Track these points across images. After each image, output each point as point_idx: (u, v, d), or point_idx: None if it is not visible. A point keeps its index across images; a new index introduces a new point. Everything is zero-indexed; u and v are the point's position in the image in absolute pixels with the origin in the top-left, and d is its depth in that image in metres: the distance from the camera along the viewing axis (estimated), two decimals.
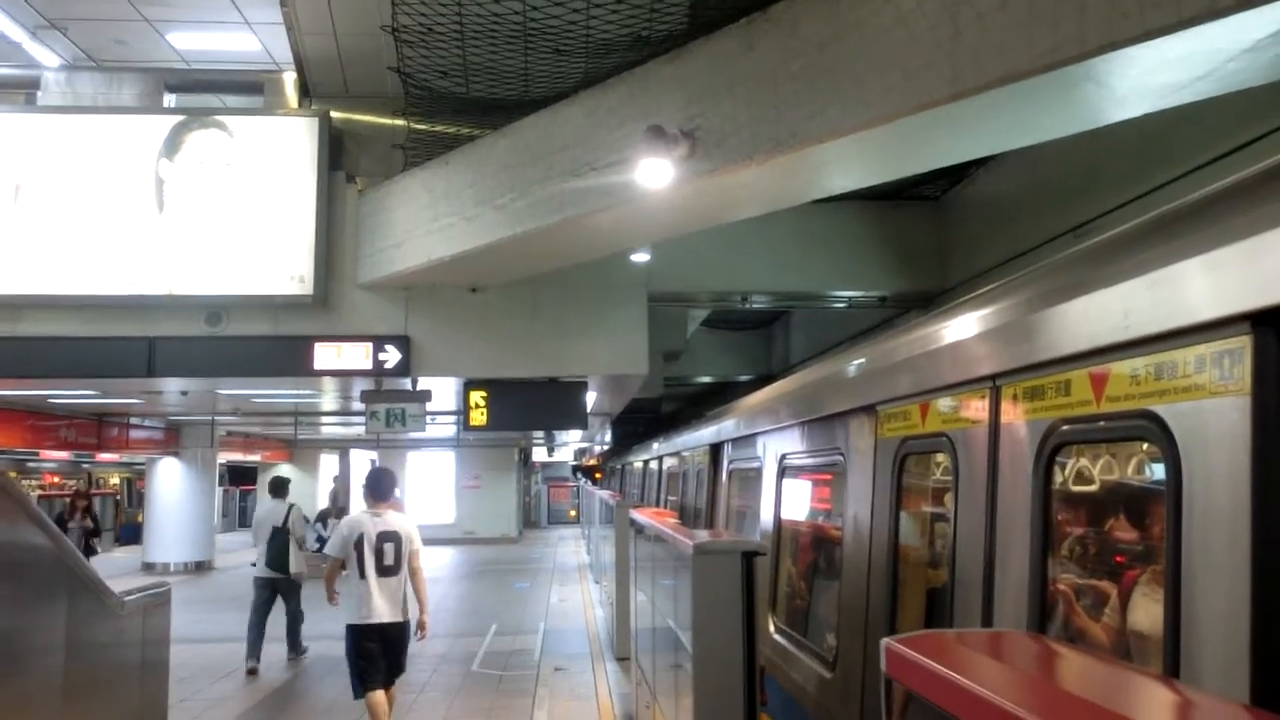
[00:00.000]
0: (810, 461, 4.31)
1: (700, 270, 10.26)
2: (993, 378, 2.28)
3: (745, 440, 5.77)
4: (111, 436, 16.90)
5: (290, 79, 9.95)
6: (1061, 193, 7.58)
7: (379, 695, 6.41)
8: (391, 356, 9.17)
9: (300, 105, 9.78)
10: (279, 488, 10.38)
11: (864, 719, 3.07)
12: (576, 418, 10.46)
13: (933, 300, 9.74)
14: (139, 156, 9.21)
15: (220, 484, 23.86)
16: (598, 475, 31.34)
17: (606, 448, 28.50)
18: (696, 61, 5.98)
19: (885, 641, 1.35)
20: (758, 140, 5.53)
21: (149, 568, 17.78)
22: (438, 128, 8.73)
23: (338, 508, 21.36)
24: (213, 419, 17.33)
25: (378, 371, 9.20)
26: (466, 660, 9.82)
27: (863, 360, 3.57)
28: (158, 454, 18.62)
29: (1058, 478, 2.06)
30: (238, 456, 24.28)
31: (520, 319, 9.44)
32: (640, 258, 9.40)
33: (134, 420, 17.08)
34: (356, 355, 9.15)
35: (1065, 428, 1.95)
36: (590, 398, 11.60)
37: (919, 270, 10.27)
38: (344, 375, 9.55)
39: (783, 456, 4.68)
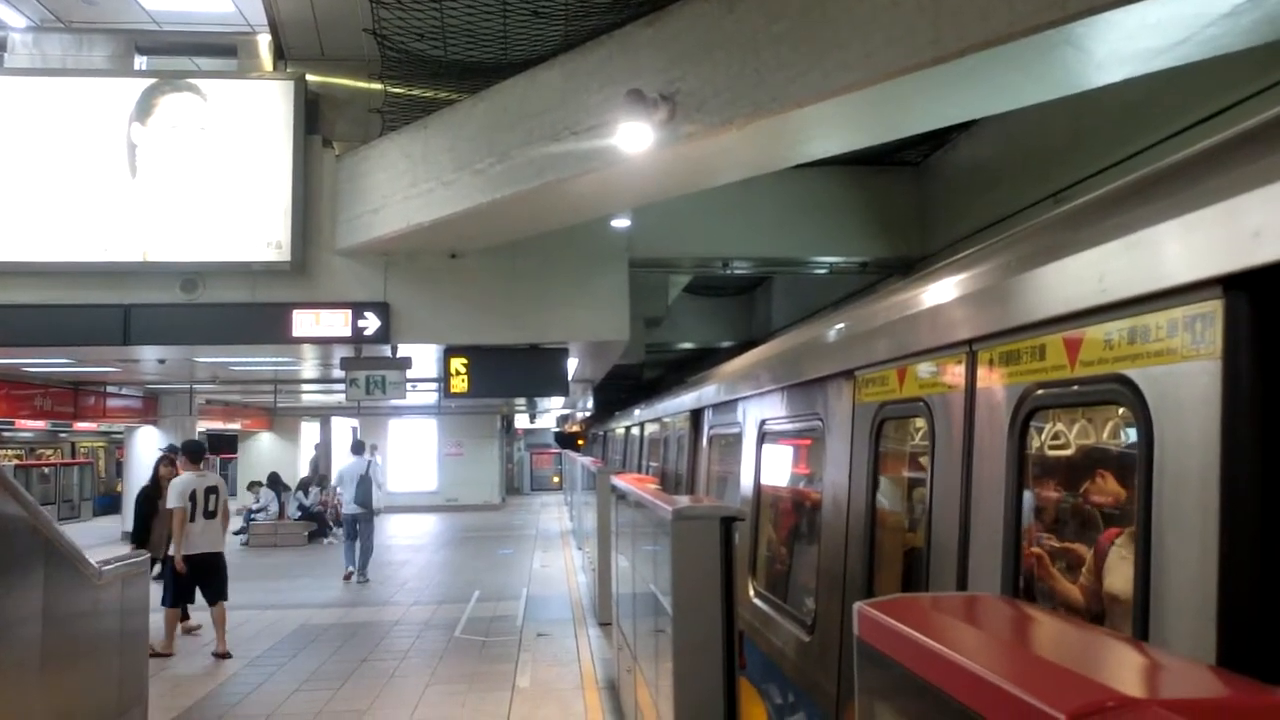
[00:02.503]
0: (789, 427, 4.32)
1: (682, 236, 10.22)
2: (969, 342, 2.29)
3: (725, 406, 5.78)
4: (88, 405, 16.74)
5: (265, 41, 9.76)
6: (1042, 158, 7.58)
7: (177, 611, 8.85)
8: (371, 323, 9.11)
9: (275, 68, 9.61)
10: (359, 448, 14.21)
11: (841, 682, 3.10)
12: (558, 384, 10.45)
13: (913, 266, 9.76)
14: (110, 120, 9.04)
15: None
16: (580, 443, 31.39)
17: (589, 414, 28.55)
18: (677, 24, 5.90)
19: (858, 605, 1.36)
20: (738, 104, 5.48)
21: (128, 537, 17.72)
22: (415, 91, 8.60)
23: (319, 475, 21.36)
24: (191, 387, 17.20)
25: (357, 338, 9.14)
26: (449, 627, 9.88)
27: (841, 326, 3.57)
28: (136, 423, 18.48)
29: (1033, 442, 2.07)
30: (218, 425, 24.11)
31: (501, 285, 9.38)
32: (621, 223, 9.35)
33: (111, 389, 16.92)
34: (335, 322, 9.08)
35: (1040, 392, 1.95)
36: (572, 364, 11.58)
37: (900, 236, 10.27)
38: (323, 343, 9.48)
39: (762, 422, 4.70)
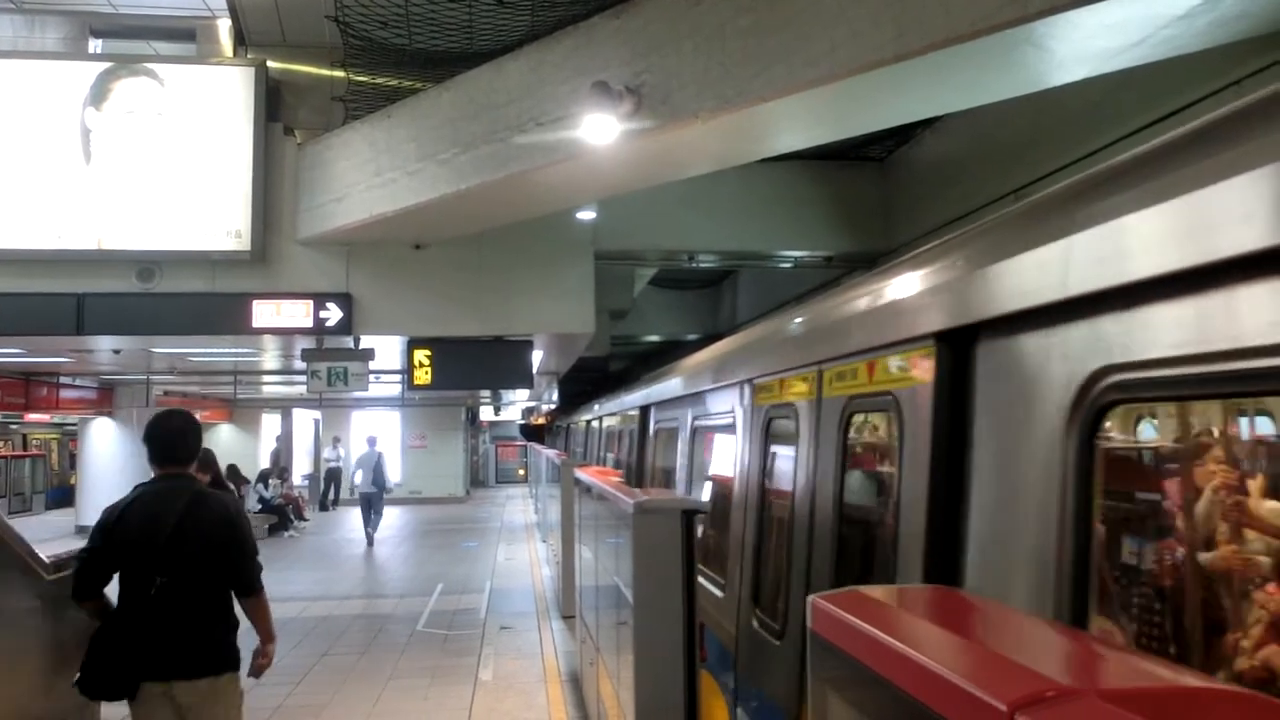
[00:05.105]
0: (713, 423, 4.97)
1: (648, 229, 10.22)
2: (820, 364, 3.07)
3: (666, 404, 6.42)
4: (40, 396, 16.38)
5: (225, 26, 9.60)
6: (1005, 155, 7.68)
7: None
8: (333, 314, 9.00)
9: (235, 54, 9.45)
10: (372, 441, 17.51)
11: (739, 639, 3.64)
12: (522, 377, 10.41)
13: (877, 260, 9.84)
14: (63, 105, 8.83)
15: None
16: (541, 436, 31.32)
17: (554, 407, 28.49)
18: (643, 16, 5.89)
19: (812, 598, 1.37)
20: (704, 97, 5.49)
21: (82, 531, 17.39)
22: (379, 80, 8.51)
23: (280, 468, 21.10)
24: (148, 378, 16.88)
25: (319, 329, 9.03)
26: (411, 620, 9.83)
27: (744, 343, 4.47)
28: (90, 414, 18.12)
29: (852, 434, 2.89)
30: None
31: (465, 276, 9.32)
32: (587, 215, 9.32)
33: (65, 379, 16.58)
34: (296, 313, 8.97)
35: (856, 400, 2.77)
36: (536, 357, 11.54)
37: (865, 230, 10.36)
38: (284, 334, 9.36)
39: (694, 419, 5.36)
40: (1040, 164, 6.87)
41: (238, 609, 3.86)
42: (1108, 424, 1.58)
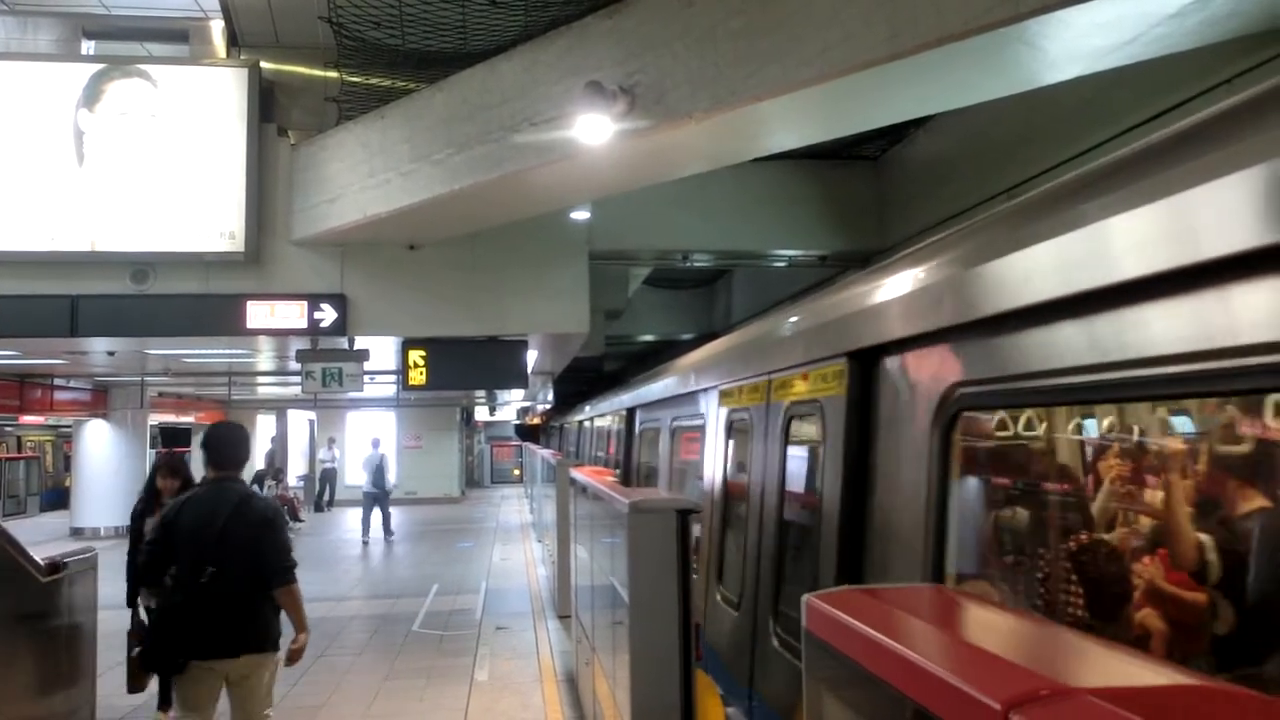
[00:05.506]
0: (685, 424, 5.45)
1: (642, 228, 10.22)
2: (770, 374, 3.51)
3: (648, 406, 6.96)
4: (35, 399, 16.32)
5: (218, 27, 9.58)
6: (998, 154, 7.69)
7: None
8: (327, 315, 8.99)
9: (229, 55, 9.43)
10: (376, 444, 17.89)
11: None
12: (517, 377, 10.40)
13: (871, 259, 9.86)
14: (56, 107, 8.80)
15: (152, 446, 23.26)
16: (538, 437, 31.30)
17: (549, 406, 28.47)
18: (636, 16, 5.89)
19: (807, 598, 1.38)
20: (697, 97, 5.49)
21: (77, 533, 17.34)
22: (372, 80, 8.50)
23: (275, 469, 21.05)
24: (142, 380, 16.84)
25: (313, 330, 9.02)
26: (407, 620, 9.82)
27: (713, 350, 5.00)
28: (85, 416, 18.06)
29: (791, 435, 3.33)
30: (170, 418, 23.66)
31: (460, 277, 9.31)
32: (581, 215, 9.32)
33: (59, 381, 16.52)
34: (291, 314, 8.95)
35: (794, 406, 3.21)
36: (531, 357, 11.53)
37: (858, 229, 10.37)
38: (278, 334, 9.34)
39: (673, 420, 5.82)
40: (1034, 162, 6.88)
41: None
42: (959, 425, 2.05)
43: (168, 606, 4.25)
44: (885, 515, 2.40)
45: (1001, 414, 1.99)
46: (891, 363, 2.41)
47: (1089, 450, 1.76)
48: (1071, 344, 1.58)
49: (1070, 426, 1.84)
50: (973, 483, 2.09)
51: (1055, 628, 1.35)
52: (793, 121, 5.80)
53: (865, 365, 2.56)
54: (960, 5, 4.13)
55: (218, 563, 4.15)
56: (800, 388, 3.12)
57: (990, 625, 1.27)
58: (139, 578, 4.51)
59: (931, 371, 2.15)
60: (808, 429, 3.17)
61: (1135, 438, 1.63)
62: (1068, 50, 4.42)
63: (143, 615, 5.47)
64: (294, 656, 4.47)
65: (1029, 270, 1.65)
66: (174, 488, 5.71)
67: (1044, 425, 1.89)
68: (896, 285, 2.35)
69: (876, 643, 1.07)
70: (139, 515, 5.93)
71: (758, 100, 5.19)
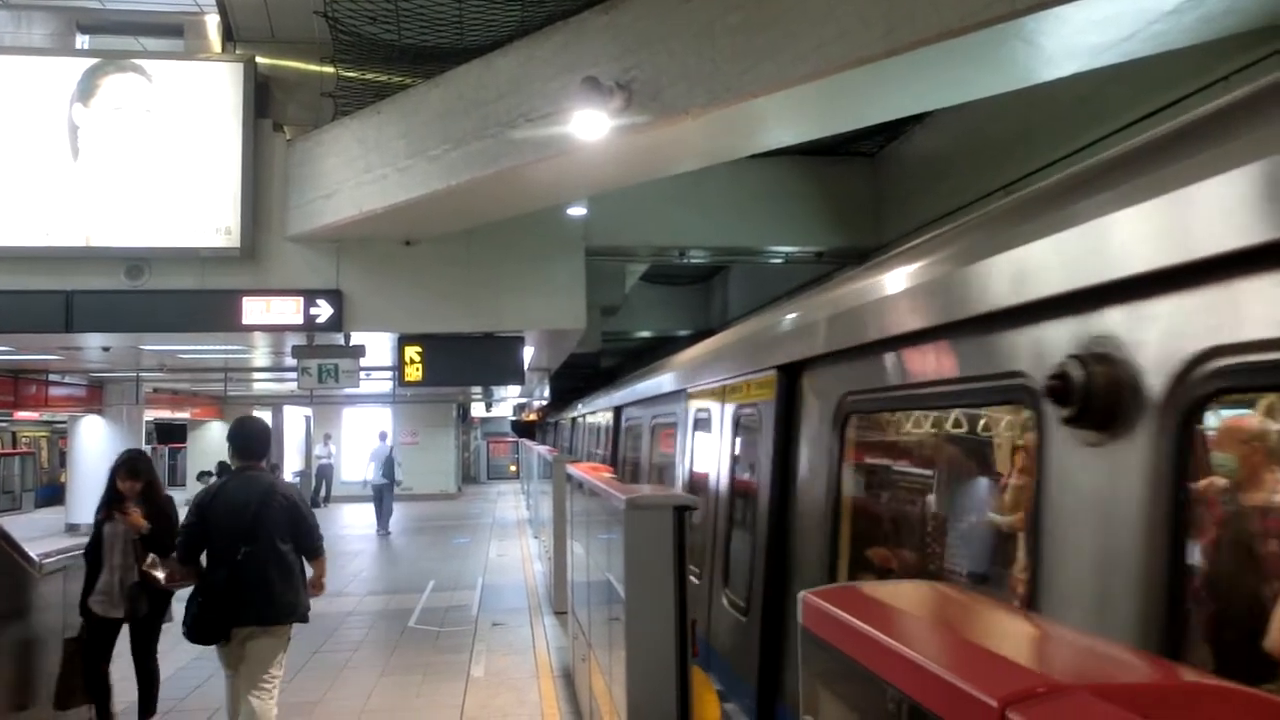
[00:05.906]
0: (665, 422, 5.94)
1: (638, 224, 10.21)
2: (724, 380, 4.22)
3: (632, 405, 7.51)
4: (29, 394, 16.27)
5: (213, 22, 9.55)
6: (995, 150, 7.69)
7: None
8: (323, 311, 8.97)
9: (224, 49, 9.40)
10: (383, 437, 19.30)
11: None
12: (513, 373, 10.40)
13: (867, 255, 9.85)
14: (50, 101, 8.77)
15: (148, 442, 23.20)
16: (535, 433, 31.29)
17: (546, 403, 28.45)
18: (632, 11, 5.88)
19: (803, 594, 1.38)
20: (694, 93, 5.48)
21: (73, 529, 17.31)
22: (369, 75, 8.48)
23: (271, 465, 21.04)
24: (138, 375, 16.81)
25: (309, 326, 9.00)
26: (403, 616, 9.81)
27: (684, 357, 5.77)
28: (80, 412, 18.02)
29: (740, 433, 3.98)
30: (165, 414, 23.62)
31: (456, 272, 9.30)
32: (577, 211, 9.30)
33: (54, 377, 16.48)
34: (286, 310, 8.94)
35: (742, 409, 3.85)
36: (527, 353, 11.52)
37: (855, 226, 10.37)
38: (274, 330, 9.33)
39: (653, 418, 6.39)
40: (1031, 158, 6.88)
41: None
42: (850, 425, 2.72)
43: (213, 582, 4.73)
44: (803, 493, 3.09)
45: (877, 416, 2.67)
46: (810, 375, 3.04)
47: (922, 441, 2.46)
48: (907, 366, 2.24)
49: (910, 424, 2.51)
50: (857, 466, 2.80)
51: (1052, 625, 1.35)
52: (789, 118, 5.79)
53: (791, 376, 3.19)
54: (957, 1, 4.12)
55: (251, 543, 4.68)
56: (745, 393, 3.80)
57: (987, 622, 1.27)
58: (180, 558, 4.92)
59: (832, 382, 2.82)
60: (751, 430, 3.74)
61: (947, 430, 2.34)
62: (1065, 47, 4.42)
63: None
64: (317, 590, 5.18)
65: (881, 310, 2.31)
66: (136, 490, 5.49)
67: (898, 423, 2.55)
68: (814, 310, 2.98)
69: (873, 639, 1.07)
70: (100, 523, 5.62)
71: (754, 96, 5.18)
